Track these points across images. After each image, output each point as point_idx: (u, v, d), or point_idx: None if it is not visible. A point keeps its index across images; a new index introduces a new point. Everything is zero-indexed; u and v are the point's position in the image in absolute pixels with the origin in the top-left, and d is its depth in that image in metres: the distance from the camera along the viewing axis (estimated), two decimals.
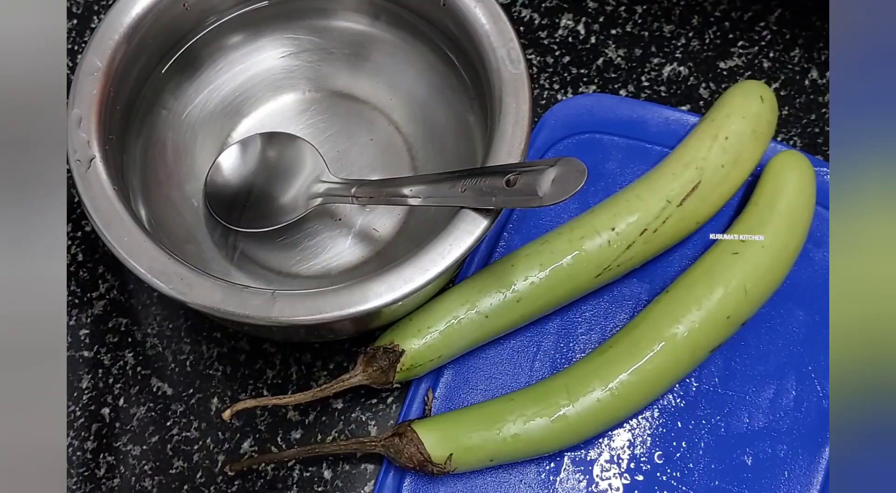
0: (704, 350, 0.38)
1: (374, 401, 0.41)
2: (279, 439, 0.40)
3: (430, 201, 0.34)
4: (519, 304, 0.38)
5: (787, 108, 0.46)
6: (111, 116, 0.36)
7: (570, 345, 0.41)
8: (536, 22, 0.48)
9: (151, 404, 0.41)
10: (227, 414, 0.35)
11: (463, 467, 0.36)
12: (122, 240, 0.33)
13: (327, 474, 0.39)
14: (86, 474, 0.39)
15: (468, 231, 0.33)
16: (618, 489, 0.38)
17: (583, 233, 0.38)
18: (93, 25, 0.48)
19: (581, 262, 0.38)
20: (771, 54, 0.47)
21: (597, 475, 0.38)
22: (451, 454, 0.36)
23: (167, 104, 0.40)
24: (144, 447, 0.40)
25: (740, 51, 0.47)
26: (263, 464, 0.39)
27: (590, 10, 0.48)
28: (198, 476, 0.39)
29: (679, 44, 0.47)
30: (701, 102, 0.46)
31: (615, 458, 0.39)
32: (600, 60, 0.47)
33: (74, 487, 0.39)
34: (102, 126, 0.35)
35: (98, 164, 0.34)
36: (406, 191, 0.34)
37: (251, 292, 0.32)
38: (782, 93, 0.46)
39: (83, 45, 0.48)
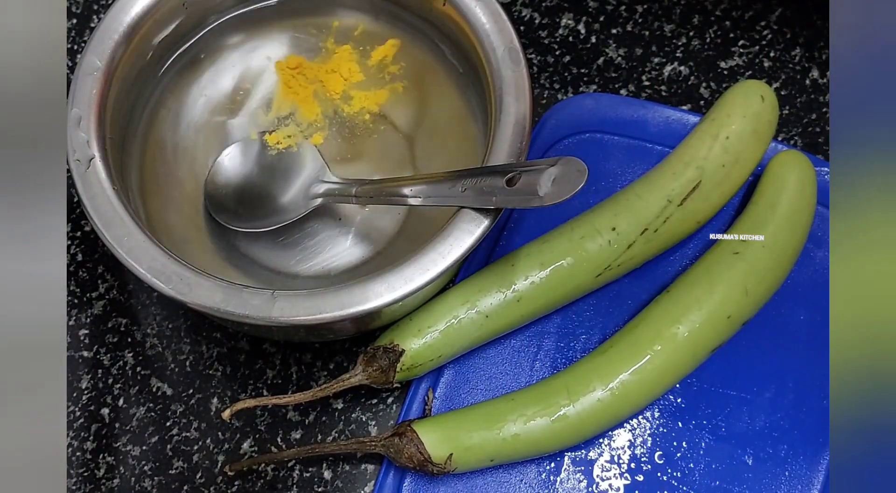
0: (705, 350, 0.38)
1: (374, 401, 0.41)
2: (279, 439, 0.40)
3: (430, 201, 0.34)
4: (519, 304, 0.38)
5: (787, 107, 0.46)
6: (111, 116, 0.36)
7: (571, 345, 0.40)
8: (537, 21, 0.48)
9: (151, 405, 0.40)
10: (226, 414, 0.35)
11: (463, 467, 0.36)
12: (121, 240, 0.33)
13: (327, 474, 0.39)
14: (85, 474, 0.39)
15: (468, 231, 0.33)
16: (618, 490, 0.38)
17: (583, 232, 0.38)
18: (92, 25, 0.48)
19: (581, 261, 0.38)
20: (772, 54, 0.47)
21: (597, 475, 0.38)
22: (451, 454, 0.36)
23: (167, 104, 0.40)
24: (144, 448, 0.40)
25: (741, 50, 0.47)
26: (263, 464, 0.39)
27: (590, 9, 0.48)
28: (197, 477, 0.39)
29: (680, 43, 0.47)
30: (701, 102, 0.46)
31: (615, 458, 0.39)
32: (601, 60, 0.47)
33: (74, 487, 0.39)
34: (102, 126, 0.35)
35: (98, 163, 0.34)
36: (406, 191, 0.34)
37: (251, 292, 0.32)
38: (783, 92, 0.46)
39: (83, 44, 0.48)
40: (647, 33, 0.47)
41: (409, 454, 0.36)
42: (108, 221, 0.33)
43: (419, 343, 0.37)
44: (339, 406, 0.40)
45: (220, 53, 0.41)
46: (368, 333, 0.39)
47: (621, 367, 0.37)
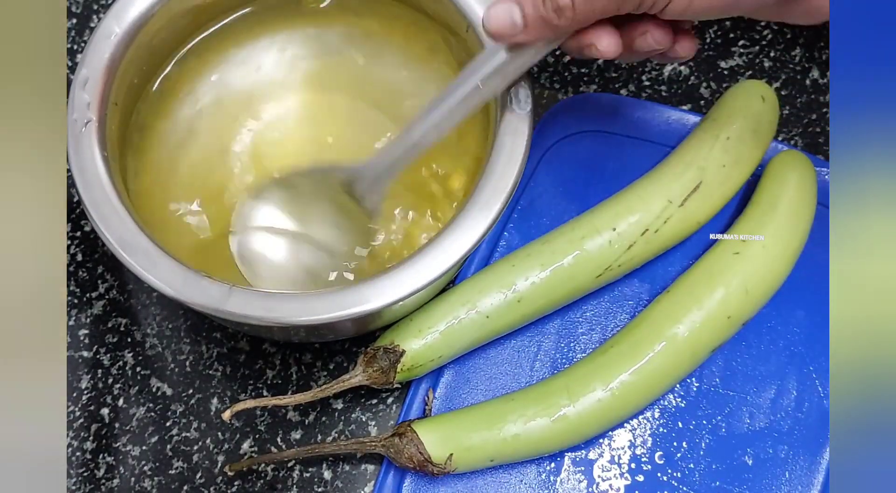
0: (705, 350, 0.38)
1: (374, 401, 0.41)
2: (279, 439, 0.40)
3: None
4: (519, 304, 0.38)
5: (788, 107, 0.46)
6: (119, 83, 0.36)
7: (571, 345, 0.40)
8: None
9: (151, 405, 0.40)
10: (226, 414, 0.35)
11: (463, 467, 0.36)
12: (98, 205, 0.32)
13: (327, 474, 0.39)
14: (85, 474, 0.39)
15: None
16: (618, 490, 0.38)
17: (584, 233, 0.38)
18: (92, 25, 0.48)
19: (582, 262, 0.38)
20: (772, 54, 0.47)
21: (597, 476, 0.38)
22: (451, 454, 0.36)
23: (181, 86, 0.40)
24: (144, 448, 0.40)
25: (741, 50, 0.47)
26: (263, 464, 0.39)
27: None
28: (197, 477, 0.39)
29: None
30: (702, 102, 0.46)
31: (616, 458, 0.38)
32: (601, 60, 0.47)
33: (74, 487, 0.39)
34: (108, 90, 0.34)
35: (93, 127, 0.33)
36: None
37: (210, 281, 0.32)
38: (783, 92, 0.46)
39: (83, 44, 0.48)
40: None
41: (409, 454, 0.36)
42: (88, 184, 0.33)
43: (420, 344, 0.37)
44: (339, 406, 0.40)
45: (223, 53, 0.41)
46: (369, 333, 0.39)
47: (621, 367, 0.37)
